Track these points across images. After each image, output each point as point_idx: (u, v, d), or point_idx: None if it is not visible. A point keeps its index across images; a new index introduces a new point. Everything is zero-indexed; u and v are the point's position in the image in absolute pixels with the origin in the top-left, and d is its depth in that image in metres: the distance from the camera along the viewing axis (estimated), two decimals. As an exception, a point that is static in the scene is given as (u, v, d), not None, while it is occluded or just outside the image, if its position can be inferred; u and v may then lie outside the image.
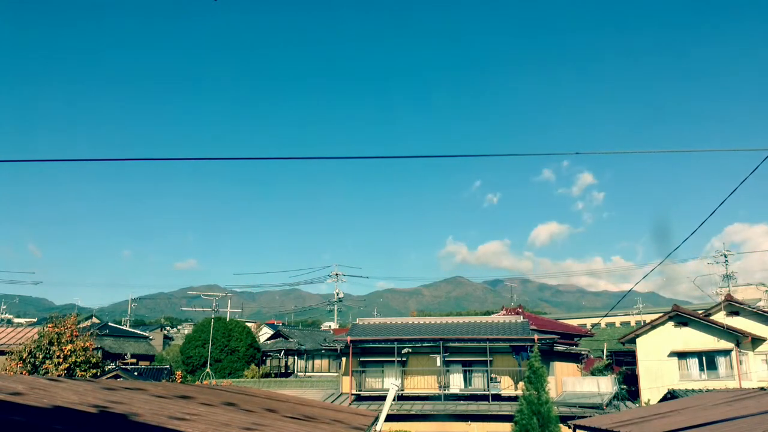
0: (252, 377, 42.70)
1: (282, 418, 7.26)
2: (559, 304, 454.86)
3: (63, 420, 3.71)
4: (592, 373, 37.85)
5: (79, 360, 22.20)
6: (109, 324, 61.93)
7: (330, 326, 73.97)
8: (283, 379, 45.54)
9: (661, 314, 34.74)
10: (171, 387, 8.88)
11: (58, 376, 20.69)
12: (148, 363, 47.46)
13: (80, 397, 4.95)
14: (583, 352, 39.04)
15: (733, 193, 10.14)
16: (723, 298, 35.59)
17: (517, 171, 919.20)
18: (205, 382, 36.10)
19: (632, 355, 35.97)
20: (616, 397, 30.46)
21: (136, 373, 31.44)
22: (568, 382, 32.47)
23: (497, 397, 29.84)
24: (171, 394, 7.23)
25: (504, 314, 41.55)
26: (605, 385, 31.17)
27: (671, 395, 26.36)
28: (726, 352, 31.51)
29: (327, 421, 8.43)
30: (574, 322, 65.32)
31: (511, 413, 24.02)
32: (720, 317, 32.77)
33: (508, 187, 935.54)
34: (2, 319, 69.94)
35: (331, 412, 10.85)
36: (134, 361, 46.19)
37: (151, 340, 61.64)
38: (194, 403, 6.75)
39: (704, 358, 31.92)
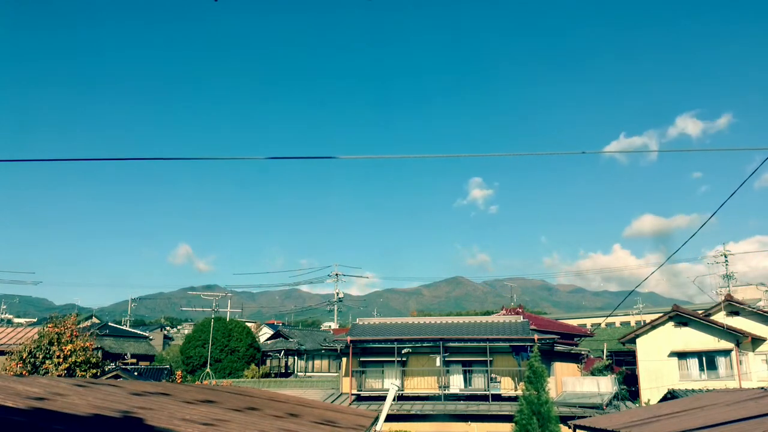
0: (252, 377, 42.71)
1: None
2: (559, 304, 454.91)
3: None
4: (592, 373, 37.83)
5: (79, 360, 22.21)
6: (109, 324, 61.90)
7: (330, 326, 74.00)
8: (283, 379, 45.54)
9: (661, 314, 34.75)
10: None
11: (58, 376, 20.69)
12: (148, 363, 47.45)
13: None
14: (583, 352, 39.03)
15: (734, 194, 10.13)
16: (723, 298, 35.60)
17: (519, 170, 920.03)
18: (205, 382, 36.11)
19: (632, 355, 35.98)
20: (616, 397, 30.45)
21: (136, 374, 31.44)
22: (568, 382, 32.47)
23: (497, 397, 29.83)
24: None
25: (504, 314, 41.55)
26: (605, 385, 31.17)
27: (671, 395, 26.36)
28: (726, 352, 31.51)
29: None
30: (574, 322, 65.28)
31: (511, 413, 24.02)
32: (720, 317, 32.78)
33: (510, 186, 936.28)
34: (2, 319, 69.94)
35: (331, 413, 10.85)
36: (134, 361, 46.18)
37: (151, 340, 61.62)
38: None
39: (704, 358, 31.93)
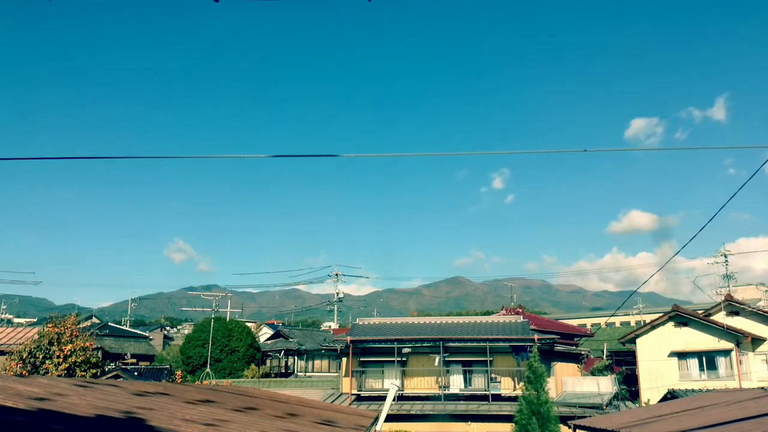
0: (252, 377, 42.69)
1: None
2: (559, 304, 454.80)
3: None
4: (592, 373, 37.83)
5: (79, 360, 22.21)
6: (109, 324, 61.89)
7: (330, 326, 74.00)
8: (283, 379, 45.53)
9: (661, 314, 34.75)
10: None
11: (58, 376, 20.70)
12: (148, 363, 47.43)
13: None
14: (583, 352, 39.02)
15: (735, 194, 10.14)
16: (723, 298, 35.60)
17: (520, 169, 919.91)
18: (205, 382, 36.11)
19: (632, 355, 35.98)
20: (616, 397, 30.45)
21: (136, 373, 31.42)
22: (568, 382, 32.46)
23: (497, 398, 29.83)
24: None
25: (504, 314, 41.53)
26: (605, 385, 31.16)
27: (671, 395, 26.35)
28: (726, 352, 31.50)
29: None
30: (574, 322, 65.28)
31: (511, 413, 24.01)
32: (720, 317, 32.78)
33: (510, 185, 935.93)
34: (2, 319, 69.92)
35: (330, 412, 10.85)
36: (134, 361, 46.16)
37: (151, 340, 61.62)
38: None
39: (704, 358, 31.92)
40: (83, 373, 22.04)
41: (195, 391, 8.70)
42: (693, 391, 26.78)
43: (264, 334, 64.89)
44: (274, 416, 7.24)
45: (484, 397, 29.93)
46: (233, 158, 10.08)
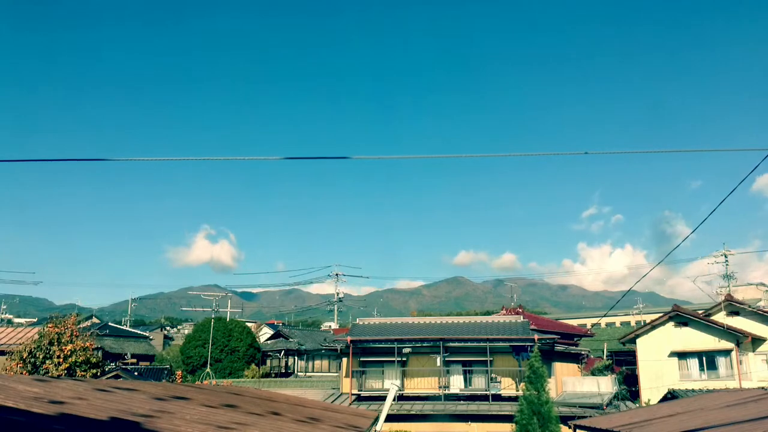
0: (252, 377, 42.68)
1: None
2: (559, 304, 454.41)
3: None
4: (593, 373, 37.82)
5: (79, 360, 22.22)
6: (109, 324, 61.86)
7: (330, 326, 73.98)
8: (284, 379, 45.51)
9: (662, 314, 34.75)
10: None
11: (59, 376, 20.69)
12: (148, 363, 47.41)
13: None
14: (583, 352, 39.00)
15: (732, 193, 10.13)
16: (723, 298, 35.59)
17: (521, 169, 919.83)
18: (205, 381, 36.10)
19: (632, 355, 35.97)
20: (616, 397, 30.43)
21: (136, 373, 31.43)
22: (569, 382, 32.45)
23: (497, 398, 29.82)
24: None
25: (504, 314, 41.52)
26: (605, 385, 31.15)
27: (671, 395, 26.34)
28: (726, 352, 31.50)
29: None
30: (574, 322, 65.20)
31: (511, 413, 24.00)
32: (720, 317, 32.78)
33: (511, 185, 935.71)
34: (2, 319, 69.90)
35: (332, 413, 10.84)
36: (134, 361, 46.14)
37: (151, 340, 61.58)
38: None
39: (704, 358, 31.91)
40: (83, 373, 22.04)
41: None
42: (693, 391, 26.75)
43: (264, 334, 64.86)
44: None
45: (484, 397, 29.92)
46: (236, 160, 10.07)
